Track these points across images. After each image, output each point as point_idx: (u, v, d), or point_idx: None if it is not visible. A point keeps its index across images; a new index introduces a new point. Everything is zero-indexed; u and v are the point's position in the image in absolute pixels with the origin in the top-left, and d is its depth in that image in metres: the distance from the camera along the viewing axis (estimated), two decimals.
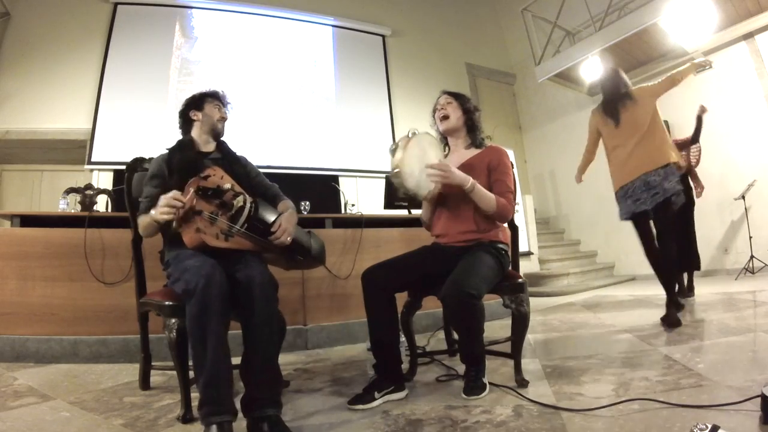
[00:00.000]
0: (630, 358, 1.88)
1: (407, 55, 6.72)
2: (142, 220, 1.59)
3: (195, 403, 1.43)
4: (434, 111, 1.91)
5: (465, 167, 1.75)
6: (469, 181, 1.65)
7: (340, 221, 2.94)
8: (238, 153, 1.86)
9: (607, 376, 1.64)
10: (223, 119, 1.82)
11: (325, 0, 6.29)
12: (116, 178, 4.60)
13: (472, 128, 1.87)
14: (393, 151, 1.66)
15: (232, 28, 5.75)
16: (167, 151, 1.72)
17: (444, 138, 1.93)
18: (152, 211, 1.47)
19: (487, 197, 1.68)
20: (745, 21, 4.72)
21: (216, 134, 1.81)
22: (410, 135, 1.67)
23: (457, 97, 1.88)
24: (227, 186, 1.55)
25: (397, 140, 1.71)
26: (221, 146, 1.81)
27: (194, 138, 1.77)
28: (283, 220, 1.62)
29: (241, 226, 1.53)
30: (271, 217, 1.60)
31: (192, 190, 1.47)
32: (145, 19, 5.29)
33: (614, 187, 2.72)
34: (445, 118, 1.86)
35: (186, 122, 1.80)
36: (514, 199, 1.78)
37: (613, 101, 2.68)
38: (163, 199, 1.42)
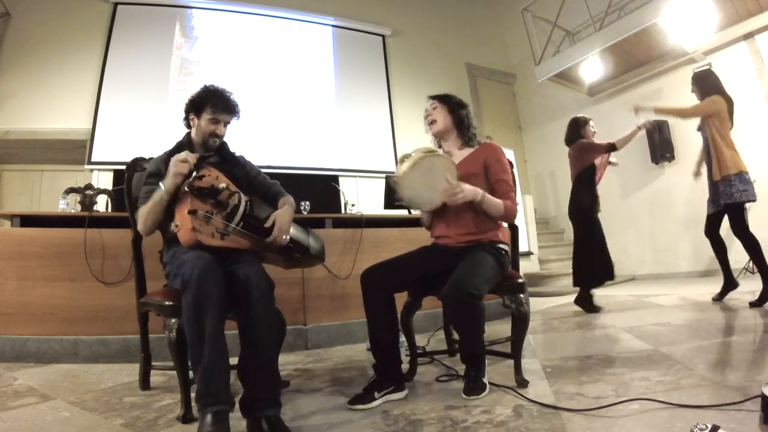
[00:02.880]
0: (630, 358, 1.87)
1: (407, 55, 6.72)
2: (143, 210, 1.55)
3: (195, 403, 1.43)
4: (425, 118, 1.92)
5: (461, 168, 1.74)
6: (479, 194, 1.66)
7: (340, 221, 2.94)
8: (238, 153, 1.84)
9: (607, 376, 1.64)
10: (217, 136, 1.70)
11: (325, 0, 6.30)
12: (116, 178, 4.61)
13: (461, 126, 1.86)
14: (402, 160, 1.65)
15: (232, 28, 5.75)
16: (166, 153, 1.69)
17: (438, 143, 1.93)
18: (160, 185, 1.49)
19: (495, 204, 1.69)
20: (745, 21, 4.72)
21: (207, 148, 1.72)
22: (425, 152, 1.65)
23: (441, 99, 1.88)
24: (222, 185, 1.55)
25: (412, 151, 1.67)
26: (221, 149, 1.77)
27: (193, 139, 1.74)
28: (278, 215, 1.61)
29: (236, 224, 1.53)
30: (266, 215, 1.60)
31: (186, 189, 1.47)
32: (145, 19, 5.29)
33: (734, 169, 2.90)
34: (433, 122, 1.87)
35: (187, 121, 1.75)
36: (515, 197, 1.79)
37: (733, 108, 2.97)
38: (172, 163, 1.47)
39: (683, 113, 3.17)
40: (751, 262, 4.45)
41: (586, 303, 3.33)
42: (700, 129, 3.19)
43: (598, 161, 3.39)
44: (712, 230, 3.18)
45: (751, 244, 2.95)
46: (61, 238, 2.33)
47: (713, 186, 3.05)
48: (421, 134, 1.98)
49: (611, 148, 3.31)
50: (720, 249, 3.18)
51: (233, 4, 5.80)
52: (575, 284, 3.44)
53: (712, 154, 3.01)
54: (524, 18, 6.08)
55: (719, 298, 3.22)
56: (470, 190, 1.65)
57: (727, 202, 2.95)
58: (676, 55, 5.27)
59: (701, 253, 5.12)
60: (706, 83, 3.07)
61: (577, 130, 3.45)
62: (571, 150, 3.49)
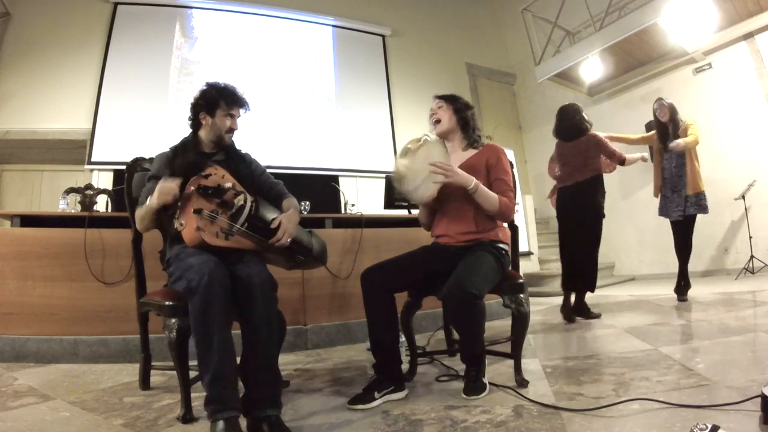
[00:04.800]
0: (630, 358, 1.87)
1: (407, 55, 6.71)
2: (139, 213, 1.60)
3: (195, 403, 1.43)
4: (430, 117, 1.93)
5: (465, 168, 1.75)
6: (472, 181, 1.66)
7: (340, 221, 2.94)
8: (242, 151, 1.84)
9: (607, 376, 1.64)
10: (232, 131, 1.73)
11: (325, 0, 6.30)
12: (116, 178, 4.60)
13: (465, 127, 1.87)
14: (403, 154, 1.67)
15: (232, 28, 5.75)
16: (171, 150, 1.68)
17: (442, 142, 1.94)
18: (149, 199, 1.50)
19: (489, 197, 1.69)
20: (745, 21, 4.72)
21: (221, 145, 1.73)
22: (423, 140, 1.67)
23: (447, 99, 1.89)
24: (228, 185, 1.54)
25: (408, 143, 1.72)
26: (227, 147, 1.77)
27: (200, 137, 1.72)
28: (284, 218, 1.61)
29: (241, 225, 1.53)
30: (271, 216, 1.60)
31: (192, 188, 1.47)
32: (145, 19, 5.28)
33: (703, 186, 3.39)
34: (437, 122, 1.88)
35: (195, 120, 1.73)
36: (515, 197, 1.79)
37: None
38: (160, 184, 1.47)
39: (694, 143, 3.32)
40: (751, 262, 4.47)
41: (586, 310, 3.10)
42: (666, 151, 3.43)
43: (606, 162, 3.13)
44: (688, 234, 3.47)
45: (689, 251, 3.49)
46: (61, 238, 2.33)
47: (684, 198, 3.35)
48: (421, 134, 1.99)
49: (621, 162, 3.11)
50: (688, 252, 3.50)
51: (233, 4, 5.80)
52: (592, 290, 3.21)
53: (688, 171, 3.34)
54: (524, 18, 6.07)
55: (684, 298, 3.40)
56: (463, 175, 1.66)
57: (693, 213, 3.34)
58: (676, 55, 5.27)
59: (701, 253, 5.11)
60: (677, 112, 3.42)
61: (581, 121, 3.09)
62: (579, 143, 3.09)
